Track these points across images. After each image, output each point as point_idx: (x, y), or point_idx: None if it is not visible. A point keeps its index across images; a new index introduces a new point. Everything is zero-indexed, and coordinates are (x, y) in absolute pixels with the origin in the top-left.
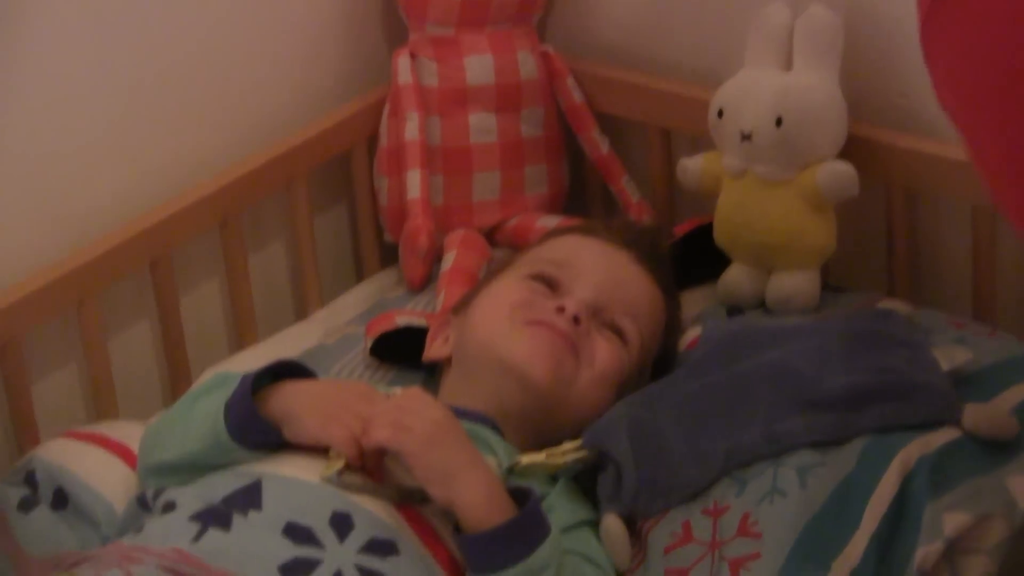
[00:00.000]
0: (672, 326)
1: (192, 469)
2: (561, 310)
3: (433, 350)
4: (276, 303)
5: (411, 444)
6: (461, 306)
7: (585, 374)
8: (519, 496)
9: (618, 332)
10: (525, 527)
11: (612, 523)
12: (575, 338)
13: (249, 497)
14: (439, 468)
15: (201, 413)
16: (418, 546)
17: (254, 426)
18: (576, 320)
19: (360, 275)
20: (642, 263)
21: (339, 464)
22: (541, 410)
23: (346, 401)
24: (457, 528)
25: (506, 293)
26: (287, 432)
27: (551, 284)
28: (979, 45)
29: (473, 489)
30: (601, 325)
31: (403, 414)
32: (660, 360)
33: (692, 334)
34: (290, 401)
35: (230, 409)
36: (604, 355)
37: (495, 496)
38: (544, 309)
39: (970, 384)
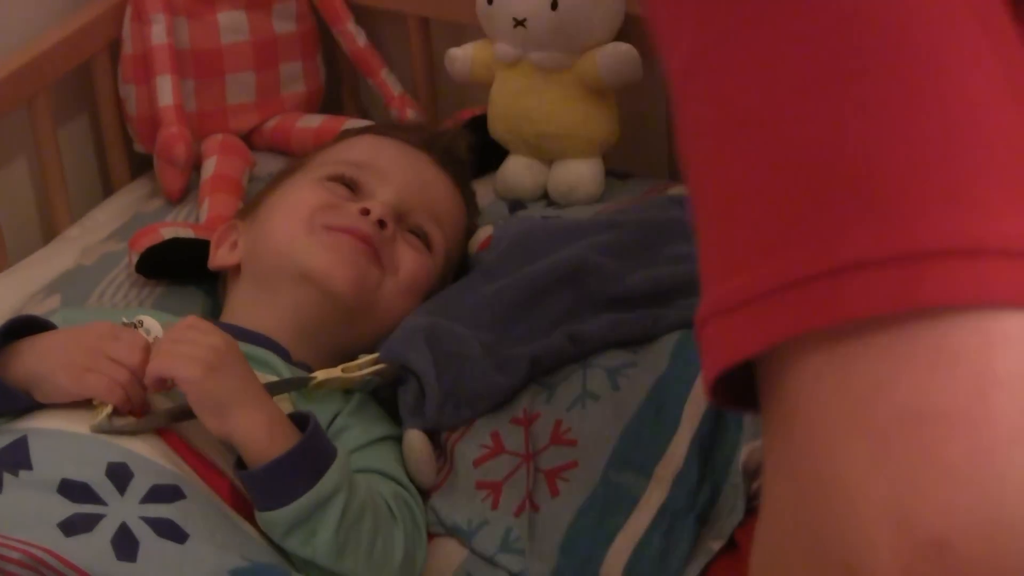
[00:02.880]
0: (472, 231)
1: None
2: (365, 213)
3: (219, 257)
4: (22, 224)
5: (185, 370)
6: (249, 210)
7: (389, 283)
8: (302, 423)
9: (423, 237)
10: (308, 455)
11: (415, 438)
12: (379, 244)
13: (16, 455)
14: (215, 397)
15: None
16: (201, 486)
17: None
18: (381, 224)
19: (108, 189)
20: (442, 166)
21: (107, 411)
22: (341, 322)
23: (92, 346)
24: (240, 463)
25: (303, 196)
26: (39, 395)
27: (351, 186)
28: None
29: (251, 419)
30: (405, 230)
31: (178, 344)
32: (457, 265)
33: (483, 234)
34: (32, 362)
35: None
36: (409, 263)
37: (275, 425)
38: (347, 213)
39: None
